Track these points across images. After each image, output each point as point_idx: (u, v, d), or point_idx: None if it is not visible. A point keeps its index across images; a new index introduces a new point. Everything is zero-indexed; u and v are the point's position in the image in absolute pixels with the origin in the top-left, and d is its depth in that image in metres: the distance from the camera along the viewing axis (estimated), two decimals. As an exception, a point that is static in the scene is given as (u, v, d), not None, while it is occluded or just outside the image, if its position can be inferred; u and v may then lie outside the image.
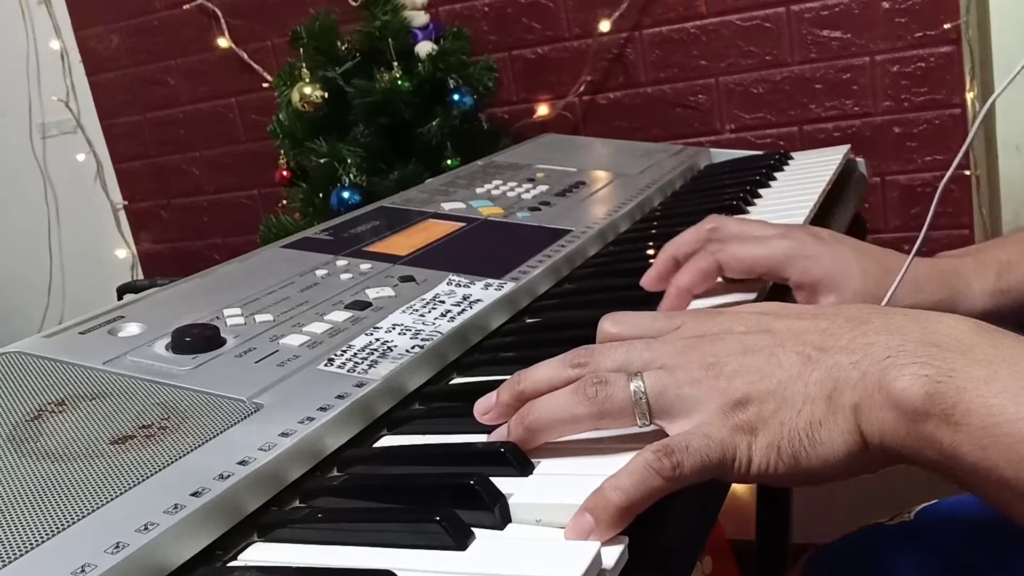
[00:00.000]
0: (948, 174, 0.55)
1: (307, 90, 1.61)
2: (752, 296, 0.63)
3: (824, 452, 0.39)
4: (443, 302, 0.64)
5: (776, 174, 1.00)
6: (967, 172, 1.67)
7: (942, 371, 0.36)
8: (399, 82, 1.61)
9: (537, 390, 0.45)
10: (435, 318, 0.61)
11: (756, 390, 0.40)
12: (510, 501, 0.39)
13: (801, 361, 0.40)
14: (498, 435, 0.45)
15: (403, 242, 0.77)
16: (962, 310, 0.59)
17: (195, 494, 0.40)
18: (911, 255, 0.57)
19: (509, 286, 0.67)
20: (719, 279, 0.64)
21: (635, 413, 0.42)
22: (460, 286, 0.67)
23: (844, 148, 1.07)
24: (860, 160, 1.08)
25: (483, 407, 0.47)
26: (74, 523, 0.38)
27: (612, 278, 0.73)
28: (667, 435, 0.41)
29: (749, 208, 0.88)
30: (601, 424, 0.43)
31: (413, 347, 0.56)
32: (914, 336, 0.39)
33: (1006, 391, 0.35)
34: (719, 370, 0.41)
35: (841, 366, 0.39)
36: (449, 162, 1.62)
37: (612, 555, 0.35)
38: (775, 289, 0.65)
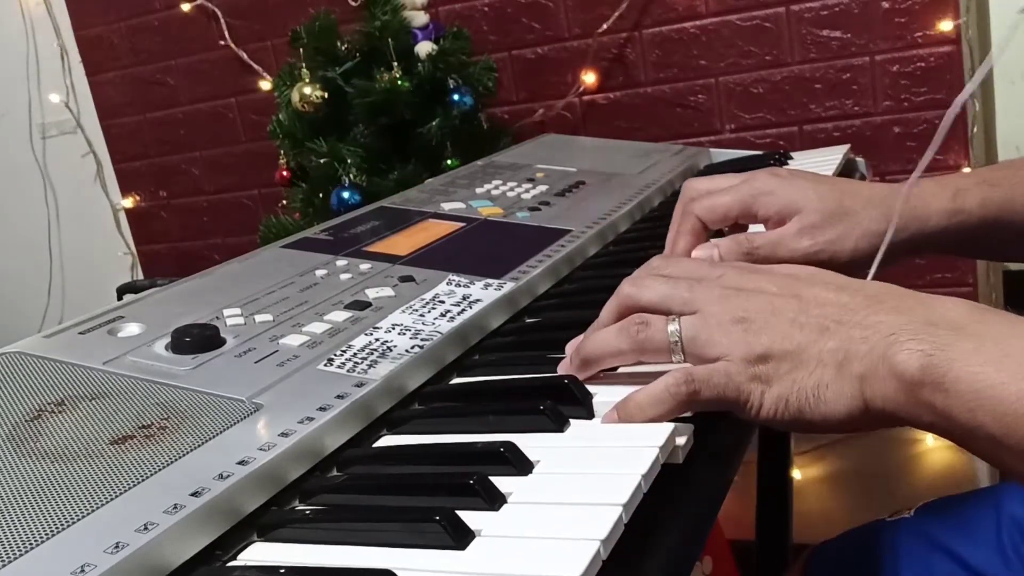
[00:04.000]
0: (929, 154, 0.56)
1: (307, 90, 1.61)
2: None
3: (825, 410, 0.44)
4: (443, 302, 0.64)
5: (776, 174, 1.00)
6: (966, 171, 1.67)
7: (936, 346, 0.41)
8: (399, 82, 1.61)
9: (598, 324, 0.52)
10: (435, 318, 0.61)
11: (777, 349, 0.45)
12: (509, 500, 0.39)
13: (819, 330, 0.45)
14: (562, 367, 0.53)
15: (403, 242, 0.77)
16: (916, 224, 0.64)
17: (195, 494, 0.40)
18: (903, 194, 0.61)
19: (509, 286, 0.67)
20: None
21: (671, 351, 0.47)
22: (460, 286, 0.67)
23: (844, 148, 1.07)
24: (860, 160, 1.08)
25: (570, 344, 0.54)
26: (74, 523, 0.38)
27: (612, 278, 0.73)
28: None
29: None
30: (643, 358, 0.49)
31: (413, 347, 0.56)
32: (918, 317, 0.43)
33: (990, 361, 0.40)
34: (748, 325, 0.46)
35: (853, 339, 0.44)
36: (449, 162, 1.62)
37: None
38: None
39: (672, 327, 0.47)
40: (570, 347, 0.54)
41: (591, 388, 0.50)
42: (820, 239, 0.62)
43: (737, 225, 0.70)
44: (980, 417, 0.40)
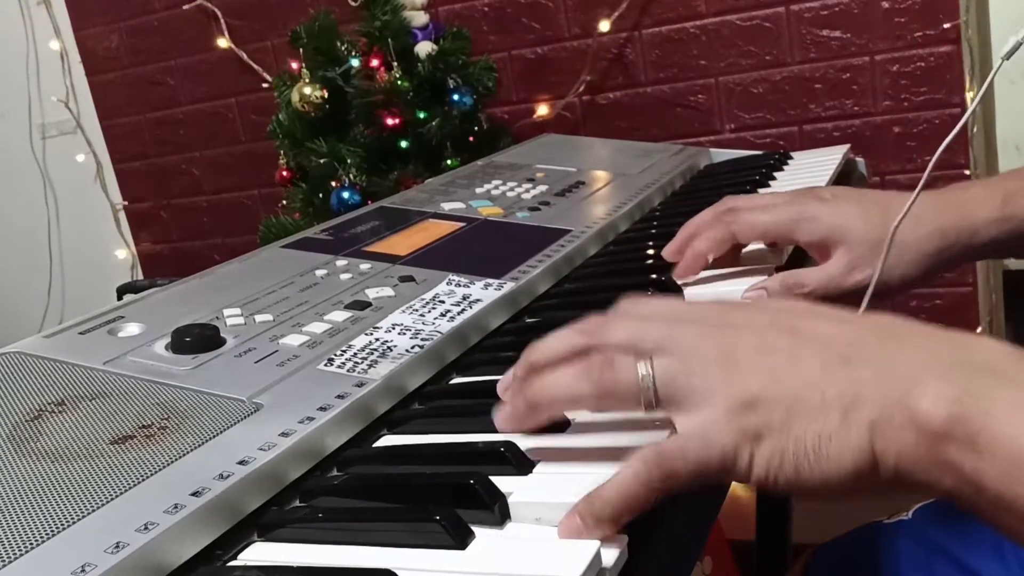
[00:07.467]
0: (934, 159, 0.55)
1: (307, 90, 1.61)
2: (765, 275, 0.65)
3: (828, 468, 0.36)
4: (443, 302, 0.64)
5: (776, 174, 1.00)
6: (966, 172, 1.67)
7: (968, 392, 0.34)
8: (399, 82, 1.61)
9: (549, 360, 0.43)
10: (435, 318, 0.61)
11: (768, 394, 0.37)
12: (509, 500, 0.39)
13: (821, 369, 0.37)
14: (502, 413, 0.44)
15: (403, 242, 0.77)
16: (966, 238, 0.61)
17: (195, 494, 0.40)
18: (914, 194, 0.58)
19: (509, 286, 0.67)
20: (741, 250, 0.68)
21: (641, 399, 0.39)
22: (460, 286, 0.67)
23: (844, 148, 1.07)
24: (860, 160, 1.08)
25: (504, 384, 0.45)
26: (74, 523, 0.38)
27: (612, 278, 0.73)
28: (672, 424, 0.40)
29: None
30: (602, 405, 0.41)
31: (413, 347, 0.56)
32: (944, 355, 0.36)
33: None
34: (733, 366, 0.38)
35: (862, 380, 0.36)
36: (449, 162, 1.62)
37: (612, 555, 0.35)
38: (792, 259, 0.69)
39: (643, 369, 0.39)
40: (503, 387, 0.45)
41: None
42: (869, 271, 0.60)
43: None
44: (1018, 489, 0.32)
